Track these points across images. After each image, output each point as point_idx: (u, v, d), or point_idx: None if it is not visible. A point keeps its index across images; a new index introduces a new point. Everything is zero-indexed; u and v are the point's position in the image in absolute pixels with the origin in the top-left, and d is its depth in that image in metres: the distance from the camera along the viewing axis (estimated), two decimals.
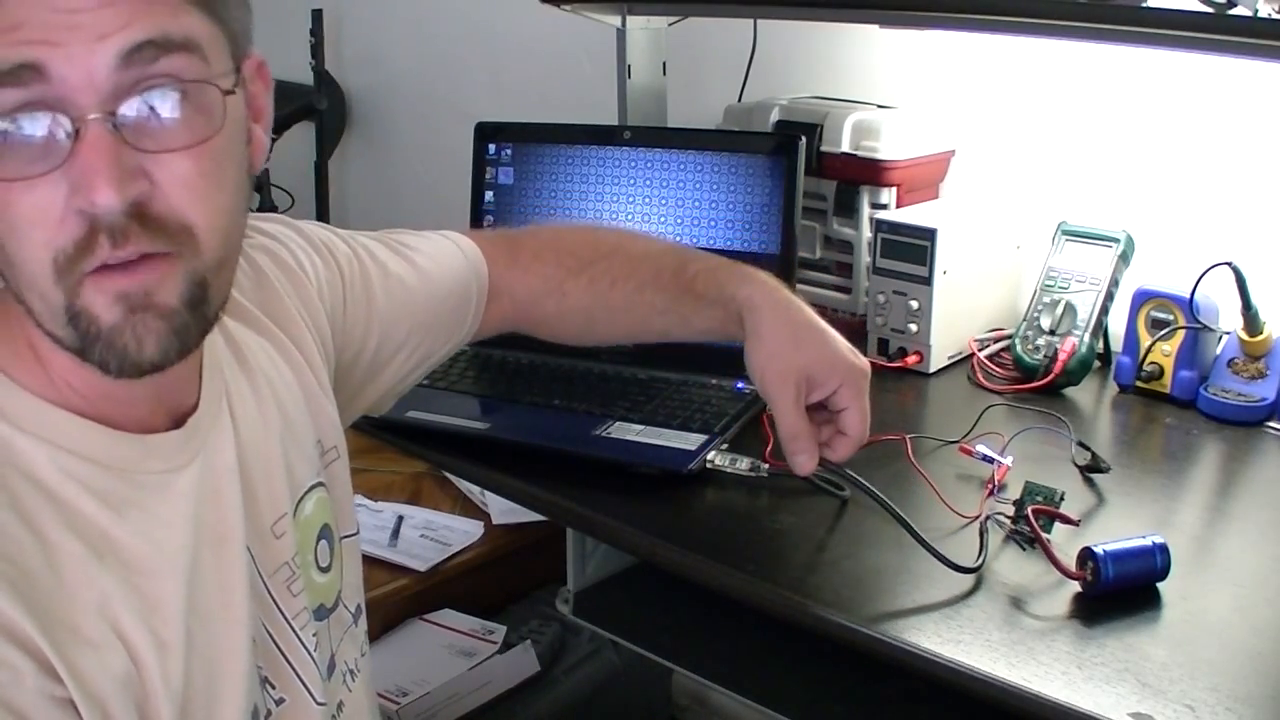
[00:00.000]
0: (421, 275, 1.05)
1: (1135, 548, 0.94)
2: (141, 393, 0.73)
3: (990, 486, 1.08)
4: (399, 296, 1.03)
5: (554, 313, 1.12)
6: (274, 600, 0.83)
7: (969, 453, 1.15)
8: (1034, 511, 1.01)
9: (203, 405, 0.79)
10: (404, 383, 1.08)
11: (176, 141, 0.66)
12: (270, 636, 0.82)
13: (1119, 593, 0.93)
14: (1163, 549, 0.94)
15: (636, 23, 1.61)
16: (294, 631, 0.85)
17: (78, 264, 0.65)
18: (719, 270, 1.06)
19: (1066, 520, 1.02)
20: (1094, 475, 1.14)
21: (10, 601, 0.65)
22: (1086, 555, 0.94)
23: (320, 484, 0.91)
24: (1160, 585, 0.95)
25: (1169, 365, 1.32)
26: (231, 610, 0.78)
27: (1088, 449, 1.15)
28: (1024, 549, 1.00)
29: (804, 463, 0.99)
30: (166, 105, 0.66)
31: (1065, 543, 0.99)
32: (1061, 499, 1.03)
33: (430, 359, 1.09)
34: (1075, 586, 0.94)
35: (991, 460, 1.11)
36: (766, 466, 1.14)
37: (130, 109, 0.64)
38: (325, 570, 0.91)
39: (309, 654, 0.86)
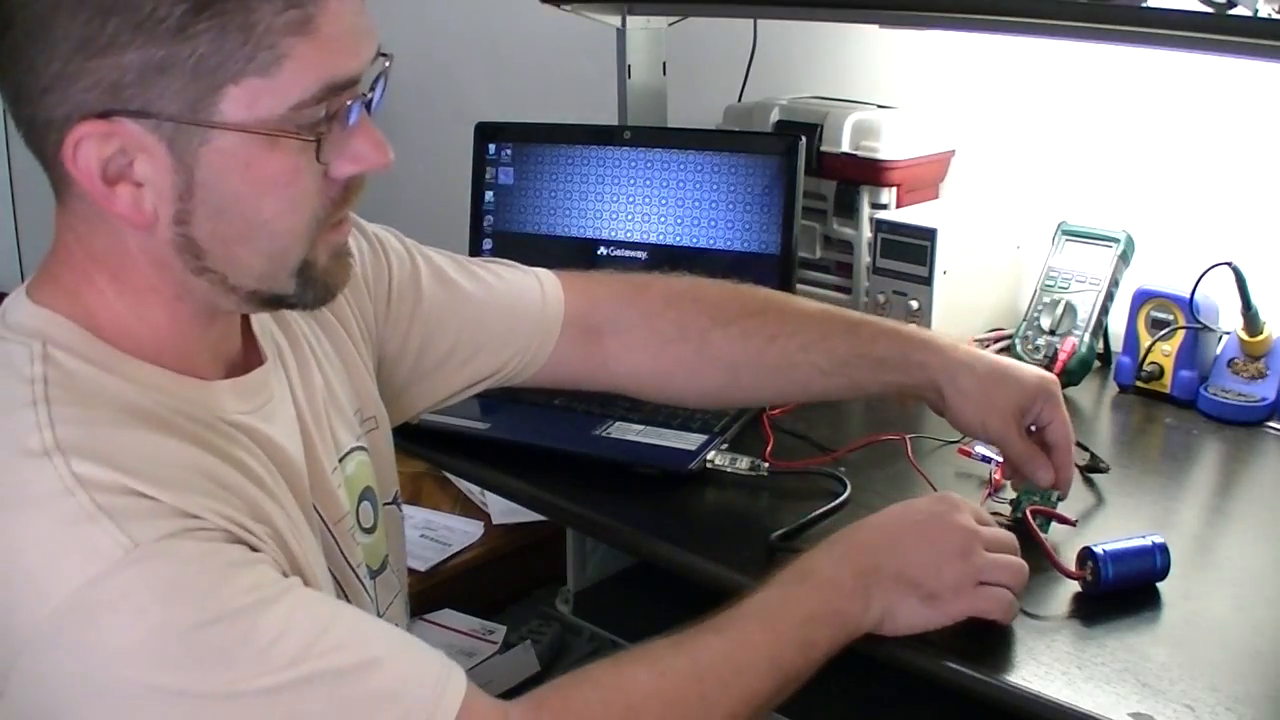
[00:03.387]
0: (478, 285, 1.06)
1: (1135, 547, 0.94)
2: (216, 343, 0.80)
3: (988, 489, 1.08)
4: (447, 299, 1.03)
5: (690, 362, 1.07)
6: (340, 548, 0.87)
7: (967, 454, 1.15)
8: (1031, 512, 1.01)
9: (269, 358, 0.85)
10: (456, 395, 1.08)
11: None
12: (337, 582, 0.86)
13: (1119, 593, 0.93)
14: (1163, 549, 0.94)
15: (636, 23, 1.61)
16: (359, 580, 0.89)
17: (327, 222, 0.76)
18: (899, 335, 1.05)
19: (1063, 520, 1.02)
20: (1094, 475, 1.14)
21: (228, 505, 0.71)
22: (1086, 555, 0.94)
23: (361, 448, 0.94)
24: (1160, 585, 0.95)
25: (1169, 365, 1.32)
26: (314, 556, 0.80)
27: (1086, 449, 1.15)
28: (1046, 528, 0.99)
29: (1046, 476, 1.01)
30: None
31: (1064, 542, 0.99)
32: (1059, 499, 1.03)
33: (488, 378, 1.07)
34: (1075, 586, 0.94)
35: (989, 460, 1.11)
36: (766, 466, 1.14)
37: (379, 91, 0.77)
38: (369, 531, 0.93)
39: (374, 602, 0.90)
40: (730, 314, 1.07)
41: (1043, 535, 0.99)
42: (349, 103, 0.73)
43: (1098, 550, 0.93)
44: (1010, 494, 1.06)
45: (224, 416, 0.77)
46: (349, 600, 0.87)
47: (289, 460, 0.82)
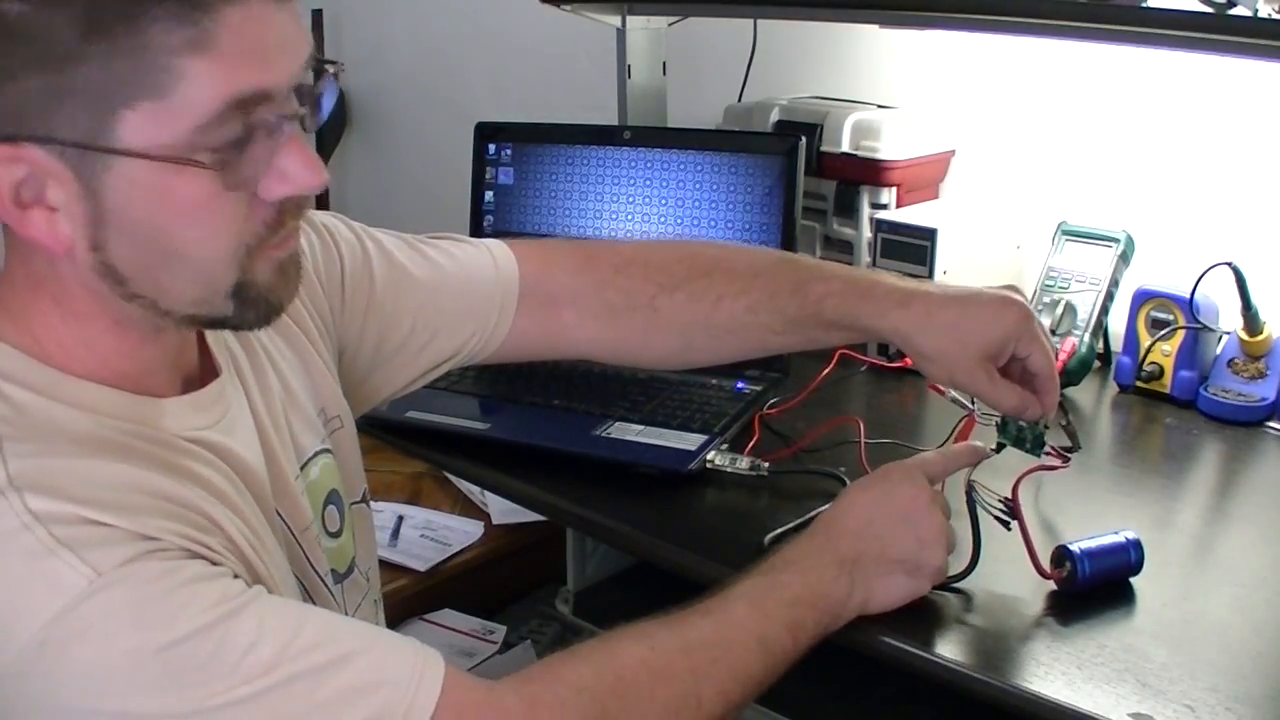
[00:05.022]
0: (431, 267, 1.04)
1: (1109, 544, 0.94)
2: (169, 359, 0.78)
3: (964, 431, 1.05)
4: (399, 284, 1.01)
5: (641, 329, 1.06)
6: (306, 556, 0.86)
7: (939, 391, 1.09)
8: (1018, 480, 0.97)
9: (224, 370, 0.83)
10: (419, 380, 1.06)
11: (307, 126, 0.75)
12: (306, 592, 0.85)
13: (1096, 590, 0.93)
14: (1136, 544, 0.94)
15: (636, 23, 1.61)
16: (328, 588, 0.88)
17: (264, 244, 0.73)
18: (847, 295, 1.00)
19: (1053, 466, 0.99)
20: (1094, 475, 1.14)
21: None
22: (1062, 554, 0.94)
23: (326, 450, 0.93)
24: (1159, 585, 0.95)
25: (1169, 365, 1.32)
26: (278, 565, 0.80)
27: (1067, 424, 1.11)
28: (1007, 528, 0.97)
29: (1033, 412, 0.98)
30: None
31: (1048, 543, 0.98)
32: (1045, 426, 1.00)
33: (449, 359, 1.06)
34: (1051, 584, 0.94)
35: (960, 405, 1.07)
36: (766, 466, 1.14)
37: (305, 107, 0.73)
38: (335, 535, 0.93)
39: (340, 607, 0.90)
40: (677, 278, 1.05)
41: (1024, 519, 0.96)
42: (269, 118, 0.69)
43: (1073, 549, 0.93)
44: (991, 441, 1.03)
45: (181, 434, 0.76)
46: (315, 605, 0.86)
47: (251, 470, 0.81)
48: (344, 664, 0.69)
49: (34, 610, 0.64)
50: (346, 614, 0.93)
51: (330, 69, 0.75)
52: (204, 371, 0.83)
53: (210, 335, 0.84)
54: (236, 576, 0.71)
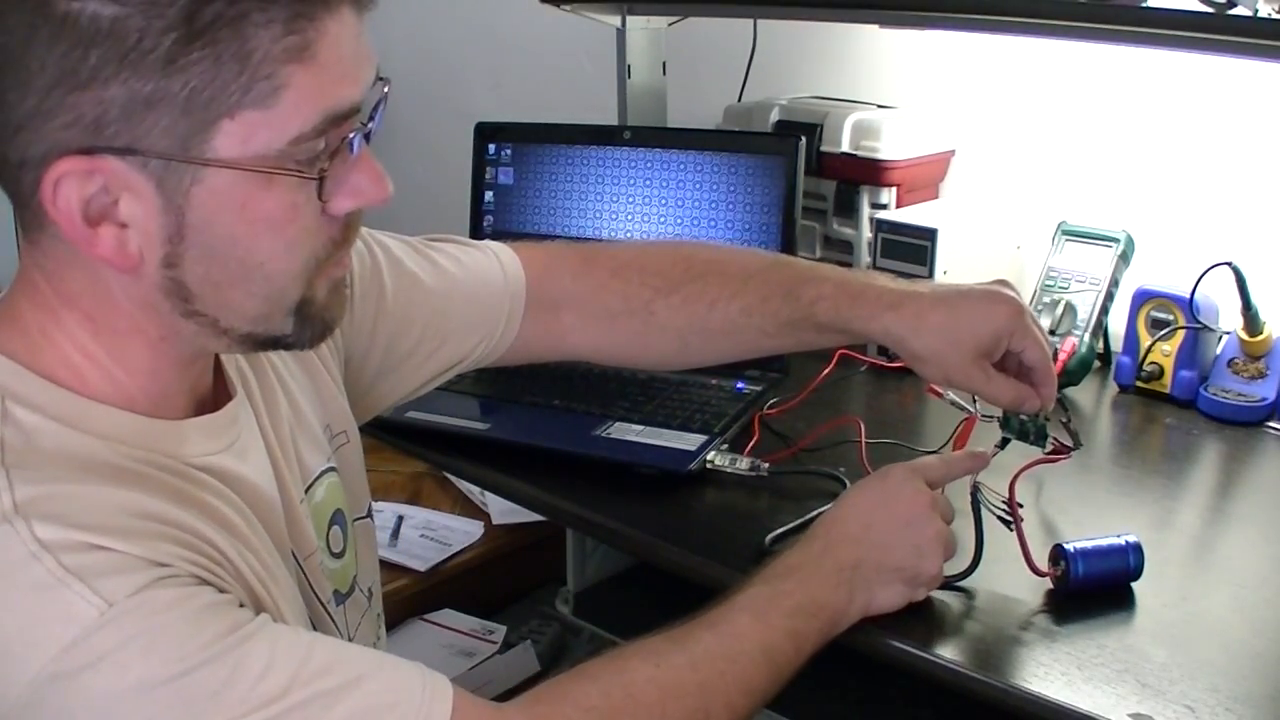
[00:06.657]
0: (440, 274, 1.03)
1: (1106, 546, 0.94)
2: (191, 380, 0.77)
3: (964, 432, 1.04)
4: (410, 292, 1.01)
5: (639, 333, 1.07)
6: (310, 583, 0.85)
7: (938, 394, 1.10)
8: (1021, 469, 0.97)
9: (237, 392, 0.82)
10: (425, 386, 1.06)
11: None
12: (308, 618, 0.84)
13: (1090, 591, 0.93)
14: (1136, 548, 0.94)
15: (636, 23, 1.61)
16: (329, 615, 0.87)
17: (326, 262, 0.73)
18: (838, 299, 1.00)
19: (1055, 458, 0.99)
20: (1095, 475, 1.14)
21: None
22: (1058, 553, 0.94)
23: (331, 469, 0.92)
24: (1159, 585, 0.95)
25: (1169, 365, 1.32)
26: (286, 595, 0.79)
27: (1067, 422, 1.11)
28: (1009, 527, 0.97)
29: (1031, 405, 0.98)
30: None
31: (1048, 543, 0.98)
32: (1045, 418, 1.00)
33: (455, 366, 1.06)
34: (1047, 583, 0.94)
35: (960, 407, 1.07)
36: (766, 466, 1.14)
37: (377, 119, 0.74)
38: (338, 556, 0.92)
39: (345, 628, 0.89)
40: (673, 281, 1.06)
41: (1021, 519, 0.96)
42: (349, 135, 0.70)
43: (1068, 548, 0.93)
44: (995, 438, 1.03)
45: (193, 460, 0.75)
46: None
47: (263, 498, 0.79)
48: (355, 686, 0.69)
49: (45, 642, 0.63)
50: (348, 635, 0.92)
51: (384, 85, 0.74)
52: (217, 393, 0.81)
53: (224, 354, 0.82)
54: (242, 605, 0.70)
